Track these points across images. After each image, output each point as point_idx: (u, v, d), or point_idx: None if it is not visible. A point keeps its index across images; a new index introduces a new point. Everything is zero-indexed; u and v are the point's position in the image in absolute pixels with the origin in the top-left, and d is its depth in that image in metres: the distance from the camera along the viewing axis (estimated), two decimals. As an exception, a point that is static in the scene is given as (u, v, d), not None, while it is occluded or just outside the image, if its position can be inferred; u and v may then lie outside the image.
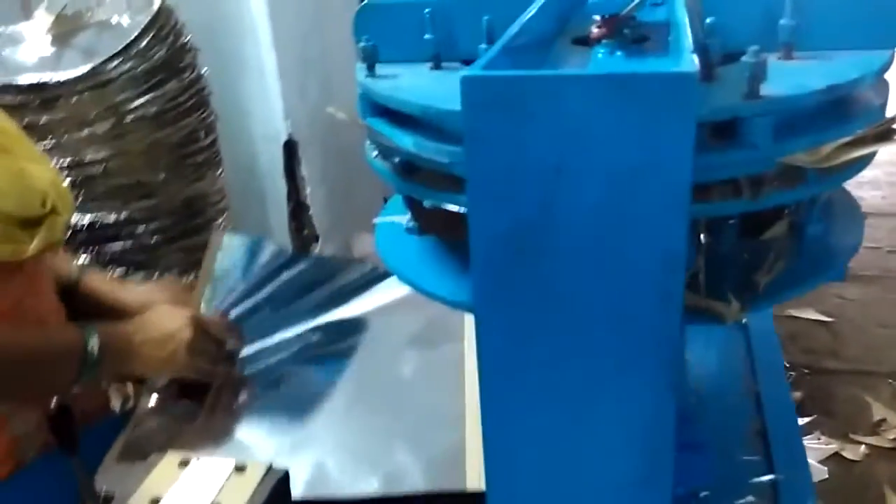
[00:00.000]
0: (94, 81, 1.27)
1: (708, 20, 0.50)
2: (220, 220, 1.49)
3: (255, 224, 1.83)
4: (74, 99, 1.27)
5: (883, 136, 0.46)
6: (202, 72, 1.42)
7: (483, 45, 0.58)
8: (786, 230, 0.54)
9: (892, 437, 1.73)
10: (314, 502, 0.81)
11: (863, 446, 1.70)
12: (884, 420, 1.77)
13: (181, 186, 1.40)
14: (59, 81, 1.26)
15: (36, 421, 0.95)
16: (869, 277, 2.29)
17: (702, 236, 0.51)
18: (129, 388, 1.26)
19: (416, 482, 0.83)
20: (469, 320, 1.07)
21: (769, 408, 0.76)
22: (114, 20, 1.38)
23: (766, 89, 0.44)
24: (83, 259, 1.31)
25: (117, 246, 1.36)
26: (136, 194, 1.35)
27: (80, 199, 1.32)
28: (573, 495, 0.46)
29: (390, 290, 1.16)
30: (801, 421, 1.65)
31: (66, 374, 0.89)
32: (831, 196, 0.58)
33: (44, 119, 1.27)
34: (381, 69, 0.61)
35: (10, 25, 1.42)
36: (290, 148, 1.81)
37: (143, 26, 1.30)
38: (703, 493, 0.69)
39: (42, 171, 0.94)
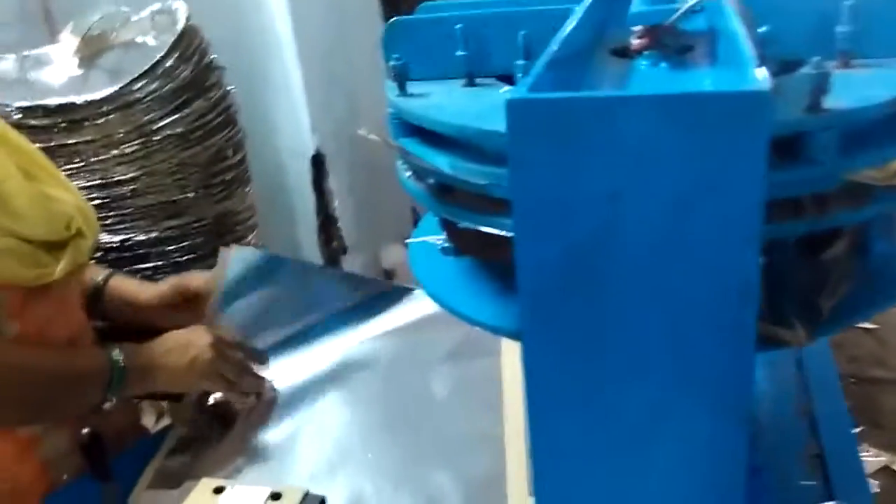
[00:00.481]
0: (120, 102, 1.27)
1: (761, 28, 0.47)
2: (249, 237, 1.49)
3: (285, 239, 1.83)
4: (102, 120, 1.27)
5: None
6: (229, 89, 1.42)
7: (519, 62, 0.56)
8: (846, 249, 0.50)
9: (943, 448, 1.67)
10: (352, 529, 0.79)
11: (913, 459, 1.65)
12: (934, 431, 1.72)
13: (210, 204, 1.39)
14: (85, 102, 1.26)
15: (68, 443, 0.94)
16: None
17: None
18: (164, 405, 1.26)
19: (455, 509, 0.81)
20: (506, 337, 1.05)
21: (825, 428, 0.73)
22: (139, 39, 1.37)
23: (829, 102, 0.41)
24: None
25: (148, 265, 1.35)
26: (166, 214, 1.35)
27: (109, 219, 1.32)
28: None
29: (419, 305, 1.15)
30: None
31: (93, 392, 0.89)
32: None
33: (71, 140, 1.27)
34: (411, 87, 0.59)
35: (36, 48, 1.43)
36: (318, 162, 1.80)
37: (168, 46, 1.29)
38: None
39: (66, 195, 0.94)
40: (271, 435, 0.97)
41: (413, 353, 1.07)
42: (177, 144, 1.32)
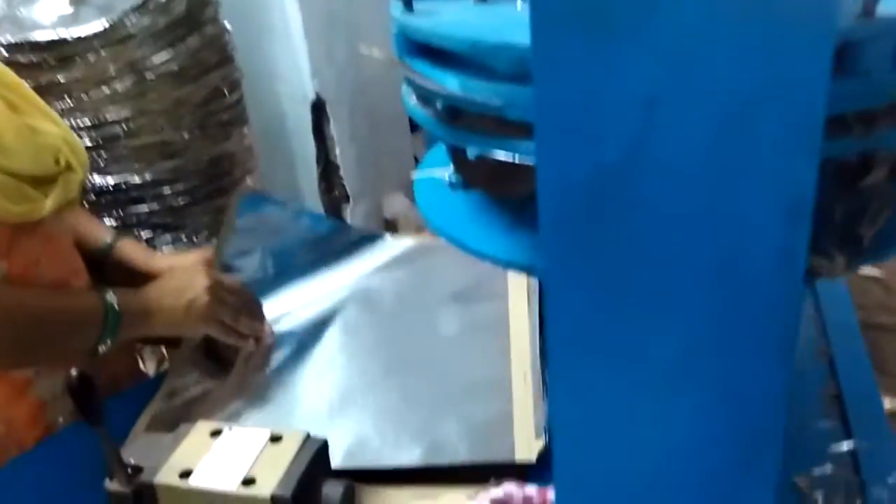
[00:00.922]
0: (112, 37, 1.22)
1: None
2: (247, 181, 1.45)
3: (285, 185, 1.79)
4: (93, 57, 1.22)
5: None
6: (225, 26, 1.37)
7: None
8: (886, 176, 0.47)
9: (949, 394, 1.66)
10: (354, 472, 0.77)
11: (919, 404, 1.63)
12: (940, 377, 1.70)
13: (207, 146, 1.35)
14: (76, 38, 1.21)
15: (63, 386, 0.92)
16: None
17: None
18: (163, 350, 1.24)
19: (461, 452, 0.79)
20: (513, 277, 1.02)
21: (843, 370, 0.71)
22: (131, -27, 1.32)
23: (883, 9, 0.38)
24: (109, 222, 1.28)
25: (143, 208, 1.32)
26: (161, 155, 1.31)
27: (102, 160, 1.28)
28: (658, 483, 0.40)
29: (420, 248, 1.13)
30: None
31: (86, 336, 0.87)
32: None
33: (62, 78, 1.22)
34: (418, 5, 0.55)
35: (24, -18, 1.37)
36: (318, 108, 1.76)
37: (161, -22, 1.24)
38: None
39: (53, 128, 0.91)
40: (271, 379, 0.95)
41: (416, 295, 1.04)
42: (171, 82, 1.27)
